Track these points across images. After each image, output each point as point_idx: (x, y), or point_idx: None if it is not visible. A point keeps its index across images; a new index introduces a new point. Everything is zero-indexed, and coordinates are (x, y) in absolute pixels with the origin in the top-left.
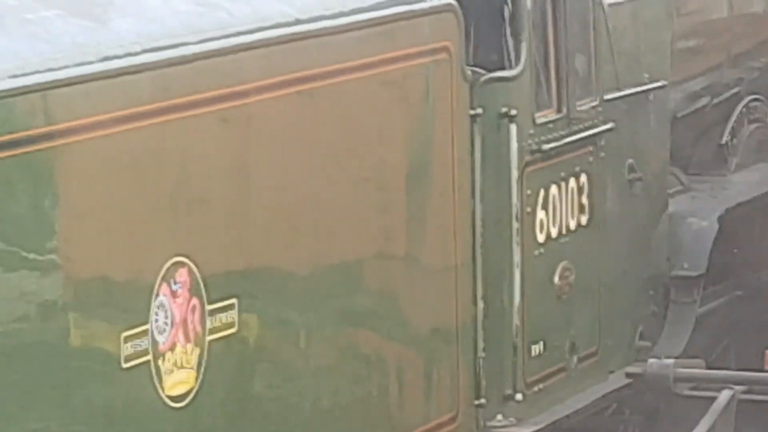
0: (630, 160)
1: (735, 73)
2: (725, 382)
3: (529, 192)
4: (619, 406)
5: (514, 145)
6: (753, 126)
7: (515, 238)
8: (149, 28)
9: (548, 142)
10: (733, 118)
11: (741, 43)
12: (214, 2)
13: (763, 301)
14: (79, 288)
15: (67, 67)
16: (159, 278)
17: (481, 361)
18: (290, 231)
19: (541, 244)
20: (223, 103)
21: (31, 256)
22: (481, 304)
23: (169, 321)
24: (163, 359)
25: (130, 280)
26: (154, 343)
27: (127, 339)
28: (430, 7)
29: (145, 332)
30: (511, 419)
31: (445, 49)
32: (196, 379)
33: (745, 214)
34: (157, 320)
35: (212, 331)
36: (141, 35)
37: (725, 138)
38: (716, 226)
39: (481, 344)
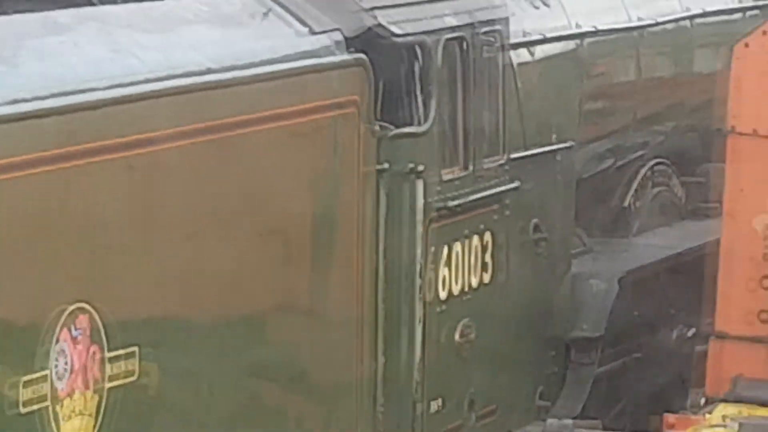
0: (535, 220)
1: (640, 137)
2: None
3: (433, 249)
4: None
5: (419, 201)
6: (656, 189)
7: (417, 295)
8: (58, 72)
9: (454, 198)
10: (637, 181)
11: (647, 106)
12: (125, 48)
13: (660, 364)
14: None
15: None
16: (59, 324)
17: (380, 416)
18: (194, 281)
19: (443, 301)
20: (130, 151)
21: None
22: (382, 359)
23: (68, 367)
24: (62, 405)
25: (31, 325)
26: (53, 388)
27: (26, 384)
28: (340, 61)
29: (44, 377)
30: None
31: (354, 103)
32: (95, 426)
33: (646, 277)
34: (56, 366)
35: (112, 378)
36: (50, 79)
37: (628, 200)
38: (616, 288)
39: (380, 399)
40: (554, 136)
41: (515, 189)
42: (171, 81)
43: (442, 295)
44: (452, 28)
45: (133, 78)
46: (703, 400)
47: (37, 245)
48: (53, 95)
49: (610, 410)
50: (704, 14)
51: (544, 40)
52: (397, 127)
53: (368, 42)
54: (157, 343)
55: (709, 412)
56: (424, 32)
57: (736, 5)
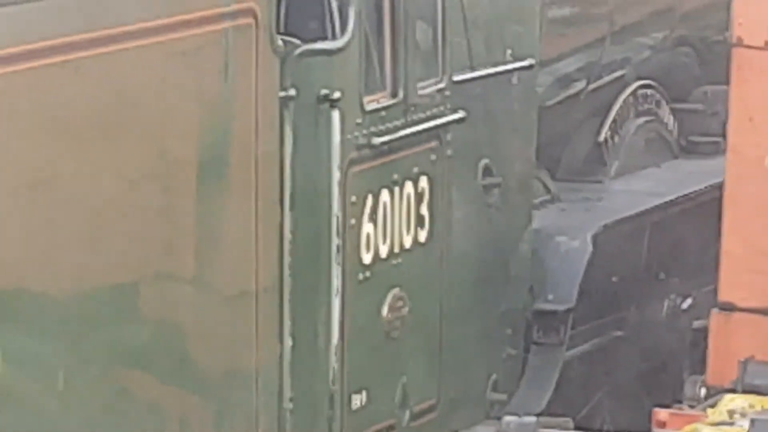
0: (485, 161)
1: (619, 52)
2: None
3: (354, 199)
4: None
5: (336, 138)
6: (641, 120)
7: (335, 258)
8: None
9: (380, 134)
10: (615, 109)
11: (628, 12)
12: None
13: (647, 345)
14: None
15: None
16: None
17: (287, 413)
18: (44, 242)
19: (367, 267)
20: None
21: None
22: (289, 342)
23: None
24: None
25: None
26: None
27: None
28: None
29: None
30: None
31: (250, 11)
32: None
33: (628, 233)
34: None
35: None
36: None
37: (604, 134)
38: (590, 247)
39: (288, 392)
40: (509, 53)
41: (459, 121)
42: None
43: (366, 258)
44: None
45: None
46: (703, 391)
47: None
48: None
49: (584, 404)
50: None
51: None
52: (306, 42)
53: None
54: None
55: (712, 406)
56: None
57: None
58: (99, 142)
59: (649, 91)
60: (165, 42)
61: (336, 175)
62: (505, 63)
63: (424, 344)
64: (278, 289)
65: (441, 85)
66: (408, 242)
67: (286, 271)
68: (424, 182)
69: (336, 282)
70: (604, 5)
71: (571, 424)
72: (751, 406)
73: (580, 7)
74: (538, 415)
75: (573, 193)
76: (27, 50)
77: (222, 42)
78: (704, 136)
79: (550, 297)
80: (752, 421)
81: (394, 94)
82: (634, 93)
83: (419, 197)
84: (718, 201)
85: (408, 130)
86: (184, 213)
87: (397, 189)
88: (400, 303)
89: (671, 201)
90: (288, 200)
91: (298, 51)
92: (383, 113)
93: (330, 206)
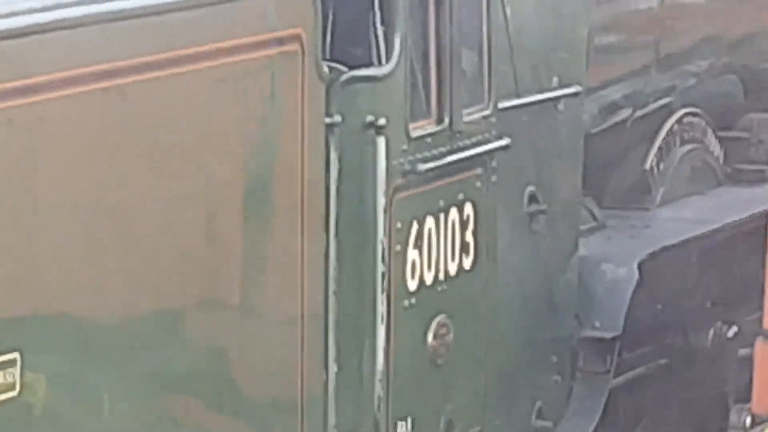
0: (531, 188)
1: (665, 80)
2: None
3: (399, 225)
4: None
5: (381, 164)
6: (686, 147)
7: (380, 285)
8: None
9: (425, 161)
10: (661, 136)
11: (674, 41)
12: None
13: (693, 373)
14: None
15: None
16: None
17: None
18: (91, 268)
19: (412, 293)
20: (7, 101)
21: None
22: (334, 368)
23: None
24: None
25: None
26: None
27: None
28: None
29: None
30: None
31: (296, 38)
32: None
33: (673, 261)
34: None
35: None
36: None
37: (650, 162)
38: (636, 274)
39: (332, 420)
40: (555, 80)
41: (504, 148)
42: (57, 11)
43: (411, 285)
44: None
45: (8, 8)
46: (748, 419)
47: None
48: None
49: None
50: None
51: None
52: (352, 68)
53: None
54: (44, 348)
55: None
56: None
57: None
58: (145, 168)
59: (694, 119)
60: (211, 68)
61: (381, 201)
62: (551, 90)
63: (469, 371)
64: (323, 316)
65: (486, 112)
66: (453, 269)
67: (331, 298)
68: (469, 209)
69: (381, 308)
70: (651, 33)
71: None
72: None
73: (626, 35)
74: None
75: (619, 221)
76: (73, 75)
77: (268, 68)
78: (750, 164)
79: (597, 324)
80: None
81: (439, 121)
82: (679, 120)
83: (464, 224)
84: (764, 229)
85: (453, 157)
86: (230, 239)
87: (442, 215)
88: (444, 330)
89: (717, 229)
90: (333, 226)
91: (343, 77)
92: (429, 140)
93: (375, 232)
